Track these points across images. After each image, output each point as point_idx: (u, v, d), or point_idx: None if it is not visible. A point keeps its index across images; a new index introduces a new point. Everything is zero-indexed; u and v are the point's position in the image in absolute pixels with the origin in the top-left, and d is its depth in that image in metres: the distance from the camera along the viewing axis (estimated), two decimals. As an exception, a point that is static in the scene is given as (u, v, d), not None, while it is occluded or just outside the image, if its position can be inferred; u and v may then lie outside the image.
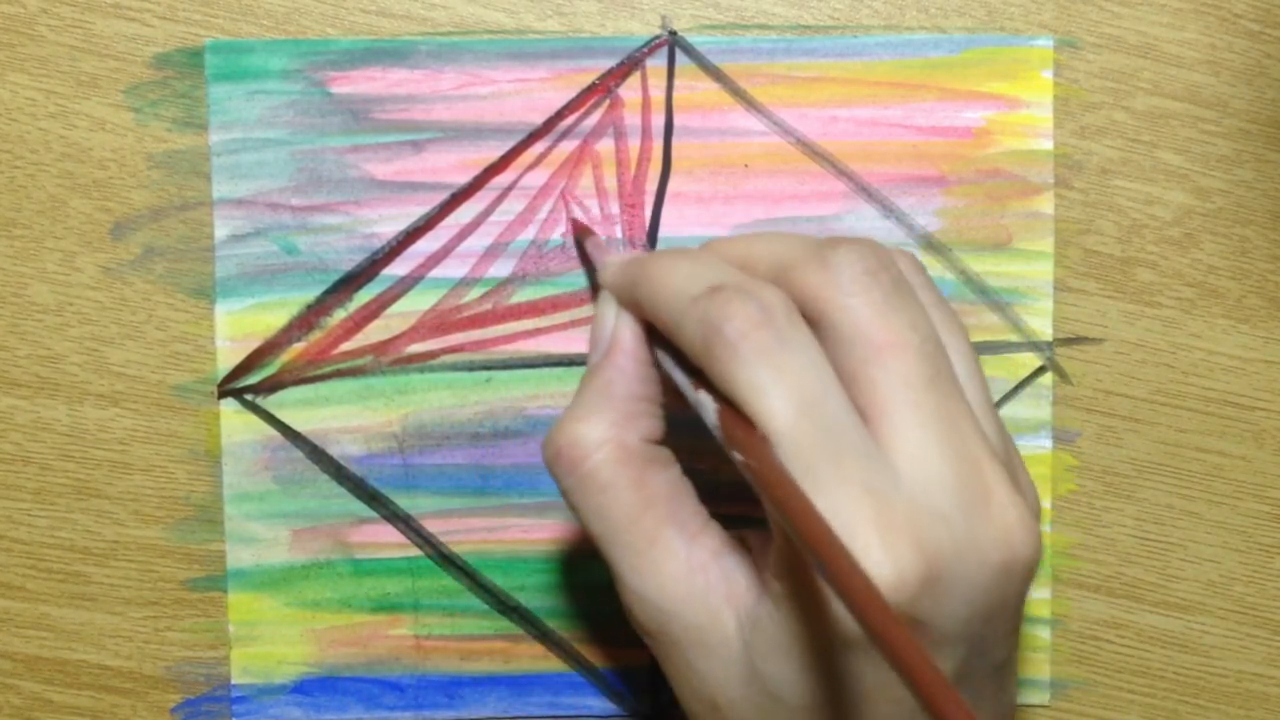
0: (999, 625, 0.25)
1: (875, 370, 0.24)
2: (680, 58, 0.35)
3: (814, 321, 0.25)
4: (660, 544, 0.26)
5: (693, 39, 0.35)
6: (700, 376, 0.26)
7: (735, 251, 0.27)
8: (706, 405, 0.25)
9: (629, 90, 0.35)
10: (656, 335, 0.28)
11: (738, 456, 0.24)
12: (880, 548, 0.23)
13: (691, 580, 0.26)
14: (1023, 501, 0.25)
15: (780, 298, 0.25)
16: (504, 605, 0.36)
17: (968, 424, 0.25)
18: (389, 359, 0.35)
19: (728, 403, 0.24)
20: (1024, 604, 0.26)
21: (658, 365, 0.28)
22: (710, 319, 0.24)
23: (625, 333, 0.27)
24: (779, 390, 0.23)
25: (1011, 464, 0.26)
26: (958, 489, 0.24)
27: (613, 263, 0.28)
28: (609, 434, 0.26)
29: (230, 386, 0.35)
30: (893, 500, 0.23)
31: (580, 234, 0.34)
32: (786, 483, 0.23)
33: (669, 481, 0.27)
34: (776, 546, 0.25)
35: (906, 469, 0.24)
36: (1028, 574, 0.25)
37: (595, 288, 0.35)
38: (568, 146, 0.35)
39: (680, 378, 0.27)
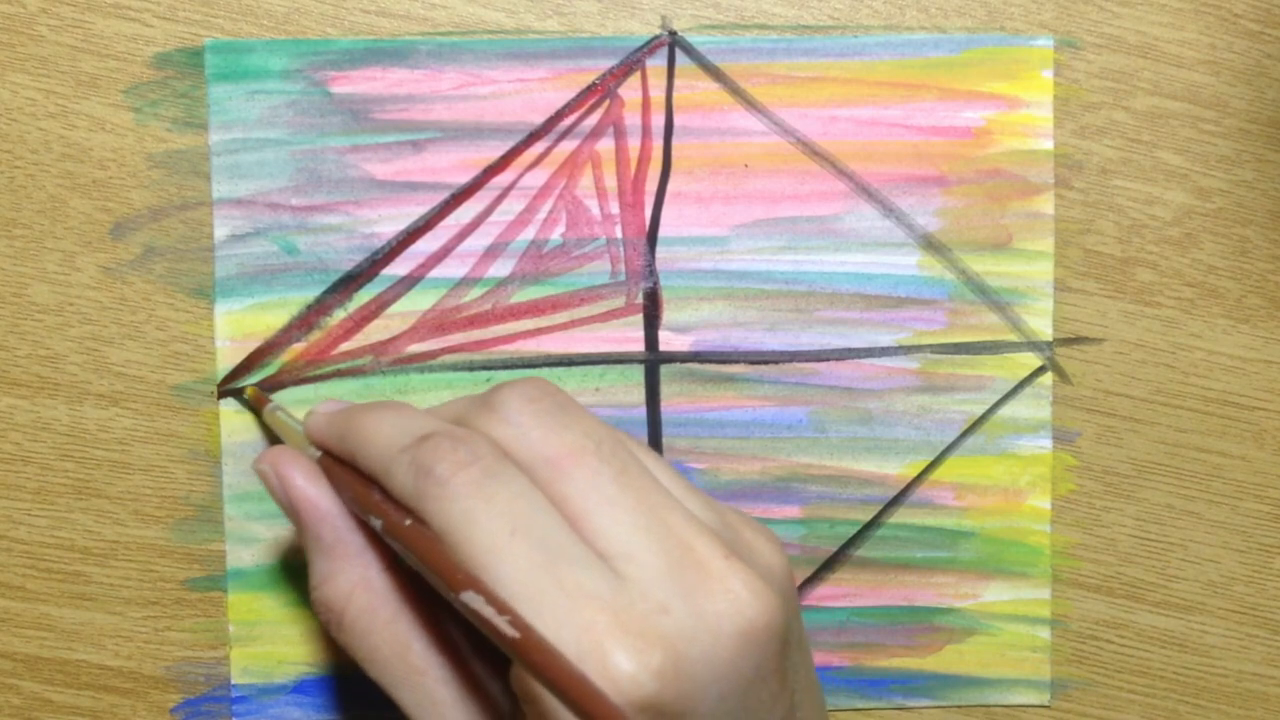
0: (761, 692, 0.25)
1: (564, 484, 0.25)
2: (680, 58, 0.35)
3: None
4: (428, 673, 0.27)
5: (693, 39, 0.35)
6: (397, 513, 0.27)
7: (420, 412, 0.29)
8: (407, 544, 0.26)
9: (629, 90, 0.35)
10: (342, 482, 0.29)
11: (456, 594, 0.24)
12: (616, 650, 0.23)
13: (468, 705, 0.27)
14: (743, 567, 0.25)
15: (485, 442, 0.26)
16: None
17: (667, 507, 0.26)
18: (389, 359, 0.35)
19: (426, 540, 0.25)
20: (786, 663, 0.26)
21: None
22: (421, 463, 0.25)
23: (309, 484, 0.29)
24: (490, 516, 0.24)
25: (730, 532, 0.27)
26: (673, 573, 0.25)
27: (319, 414, 0.30)
28: (349, 583, 0.28)
29: (230, 386, 0.35)
30: (616, 601, 0.24)
31: (257, 403, 0.35)
32: (503, 603, 0.23)
33: (424, 608, 0.28)
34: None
35: (621, 567, 0.24)
36: (771, 634, 0.25)
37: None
38: (568, 146, 0.35)
39: (376, 520, 0.27)
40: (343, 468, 0.29)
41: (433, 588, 0.27)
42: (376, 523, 0.27)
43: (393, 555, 0.29)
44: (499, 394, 0.27)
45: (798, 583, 0.36)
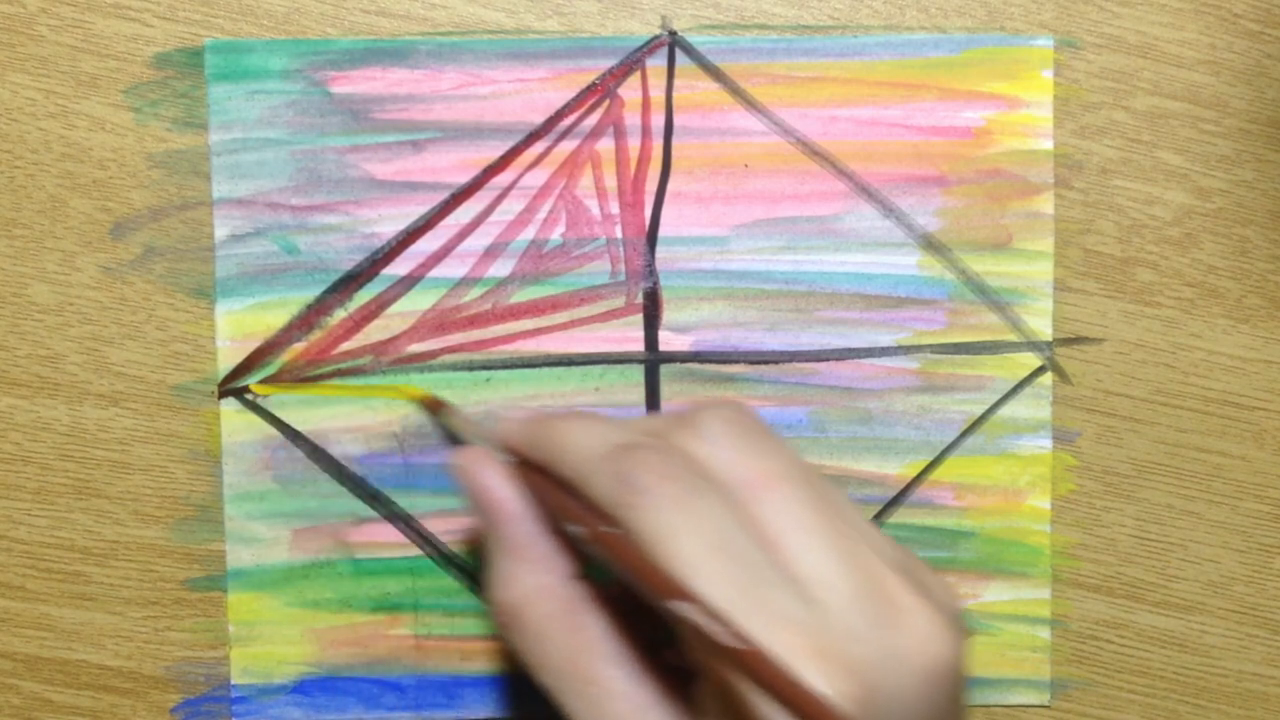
0: None
1: (761, 507, 0.26)
2: (680, 57, 0.35)
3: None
4: (600, 684, 0.27)
5: (693, 39, 0.35)
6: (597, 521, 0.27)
7: (619, 422, 0.29)
8: (607, 551, 0.26)
9: (629, 90, 0.35)
10: (536, 487, 0.29)
11: (666, 602, 0.24)
12: (814, 673, 0.23)
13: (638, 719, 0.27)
14: (930, 605, 0.25)
15: (686, 456, 0.26)
16: (504, 605, 0.36)
17: (858, 538, 0.26)
18: (389, 359, 0.35)
19: (624, 547, 0.25)
20: (959, 705, 0.26)
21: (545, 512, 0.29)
22: (625, 472, 0.26)
23: (502, 487, 0.29)
24: (692, 530, 0.25)
25: (912, 571, 0.27)
26: (864, 603, 0.25)
27: (511, 420, 0.30)
28: (531, 587, 0.28)
29: (231, 386, 0.35)
30: (813, 626, 0.24)
31: (433, 408, 0.35)
32: (720, 614, 0.23)
33: (603, 621, 0.28)
34: (710, 690, 0.25)
35: (814, 593, 0.25)
36: (954, 675, 0.25)
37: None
38: (568, 146, 0.35)
39: (576, 528, 0.27)
40: (537, 474, 0.29)
41: (614, 601, 0.28)
42: (576, 529, 0.27)
43: (576, 566, 0.29)
44: (699, 413, 0.27)
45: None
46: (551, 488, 0.28)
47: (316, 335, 0.35)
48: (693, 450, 0.26)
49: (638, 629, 0.28)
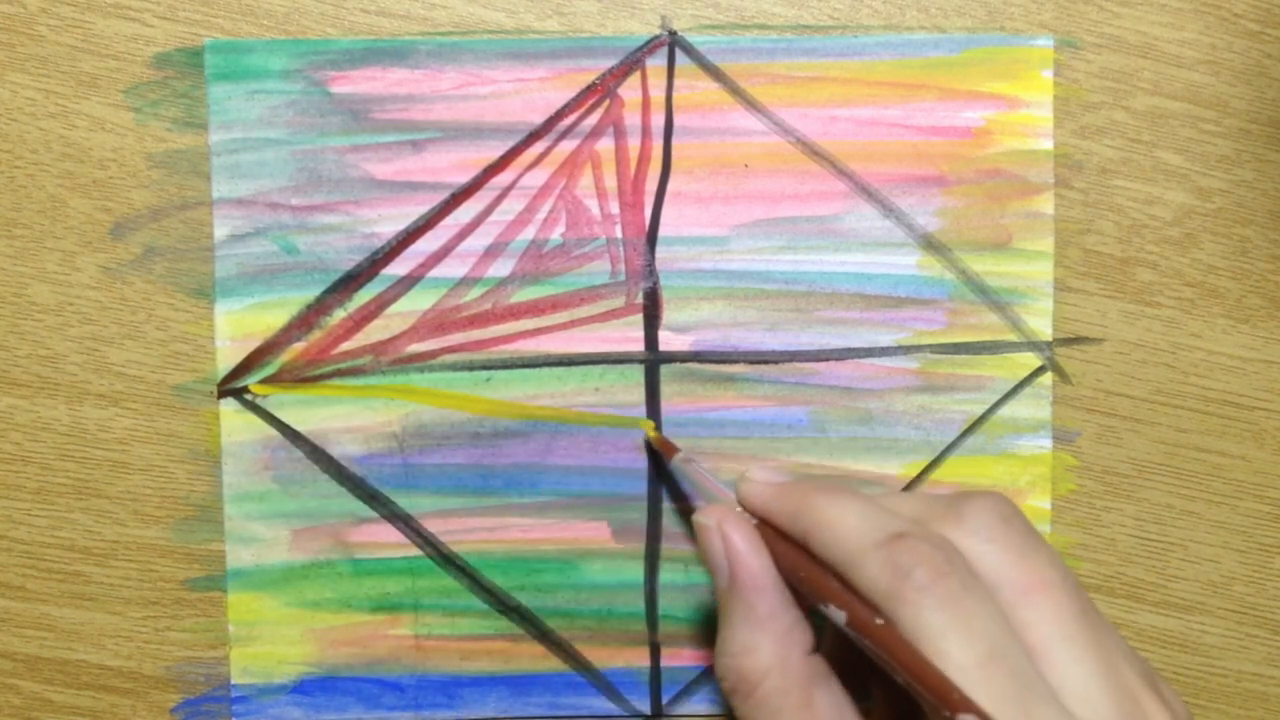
0: None
1: (1027, 612, 0.26)
2: (680, 57, 0.35)
3: None
4: None
5: (693, 39, 0.35)
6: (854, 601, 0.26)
7: (883, 505, 0.29)
8: (862, 633, 0.26)
9: (629, 90, 0.35)
10: (776, 547, 0.29)
11: (940, 707, 0.24)
12: None
13: None
14: None
15: (959, 553, 0.26)
16: (504, 605, 0.36)
17: (1119, 655, 0.26)
18: (389, 359, 0.35)
19: (878, 629, 0.25)
20: None
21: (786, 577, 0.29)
22: (899, 564, 0.25)
23: (752, 553, 0.29)
24: (967, 635, 0.24)
25: (1155, 685, 0.27)
26: None
27: (759, 482, 0.30)
28: (770, 660, 0.28)
29: (230, 386, 0.35)
30: None
31: (664, 450, 0.34)
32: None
33: (834, 699, 0.28)
34: None
35: (1076, 708, 0.25)
36: None
37: (686, 507, 0.36)
38: (568, 146, 0.35)
39: (832, 609, 0.27)
40: (790, 546, 0.28)
41: (850, 679, 0.28)
42: (839, 614, 0.26)
43: (814, 641, 0.29)
44: (967, 504, 0.27)
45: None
46: (806, 563, 0.28)
47: (316, 335, 0.35)
48: (963, 544, 0.26)
49: (856, 700, 0.28)
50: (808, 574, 0.27)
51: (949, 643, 0.24)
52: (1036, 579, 0.26)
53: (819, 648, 0.29)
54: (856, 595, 0.26)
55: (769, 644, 0.28)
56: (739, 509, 0.30)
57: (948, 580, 0.25)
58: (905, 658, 0.25)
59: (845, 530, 0.27)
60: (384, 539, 0.36)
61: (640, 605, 0.36)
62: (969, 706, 0.23)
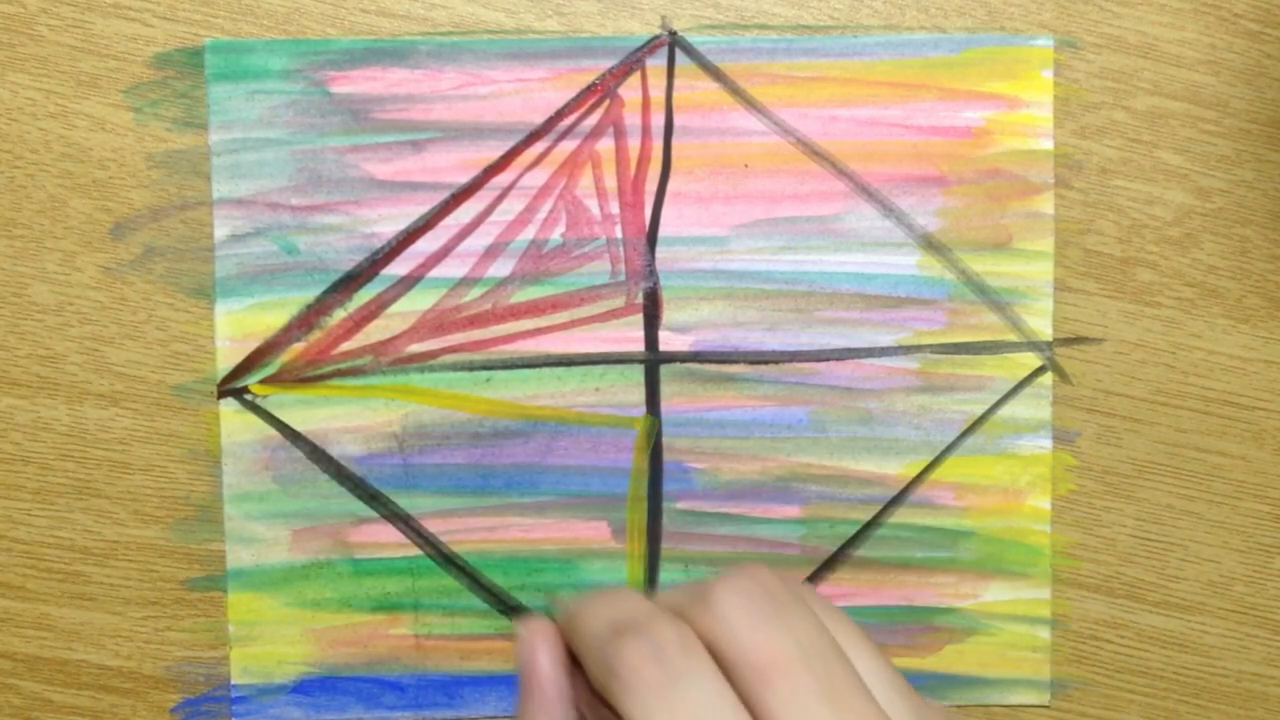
0: None
1: (766, 694, 0.25)
2: (680, 57, 0.35)
3: (715, 658, 0.26)
4: None
5: (693, 39, 0.35)
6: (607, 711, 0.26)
7: (634, 600, 0.28)
8: None
9: (629, 90, 0.35)
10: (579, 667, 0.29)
11: None
12: None
13: None
14: None
15: (678, 631, 0.25)
16: (504, 605, 0.36)
17: None
18: (389, 359, 0.35)
19: None
20: None
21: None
22: (608, 659, 0.25)
23: (544, 669, 0.28)
24: None
25: None
26: None
27: (562, 609, 0.30)
28: None
29: (230, 386, 0.35)
30: None
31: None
32: None
33: None
34: None
35: None
36: None
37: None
38: (568, 146, 0.35)
39: (589, 714, 0.27)
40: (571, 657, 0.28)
41: None
42: (590, 717, 0.26)
43: None
44: (715, 586, 0.26)
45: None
46: (575, 671, 0.28)
47: (316, 335, 0.35)
48: (705, 628, 0.26)
49: None
50: (574, 683, 0.27)
51: None
52: (774, 658, 0.25)
53: None
54: (598, 695, 0.26)
55: None
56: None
57: (650, 669, 0.24)
58: None
59: (582, 629, 0.27)
60: (384, 539, 0.36)
61: (640, 605, 0.36)
62: None
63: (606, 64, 0.35)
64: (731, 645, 0.25)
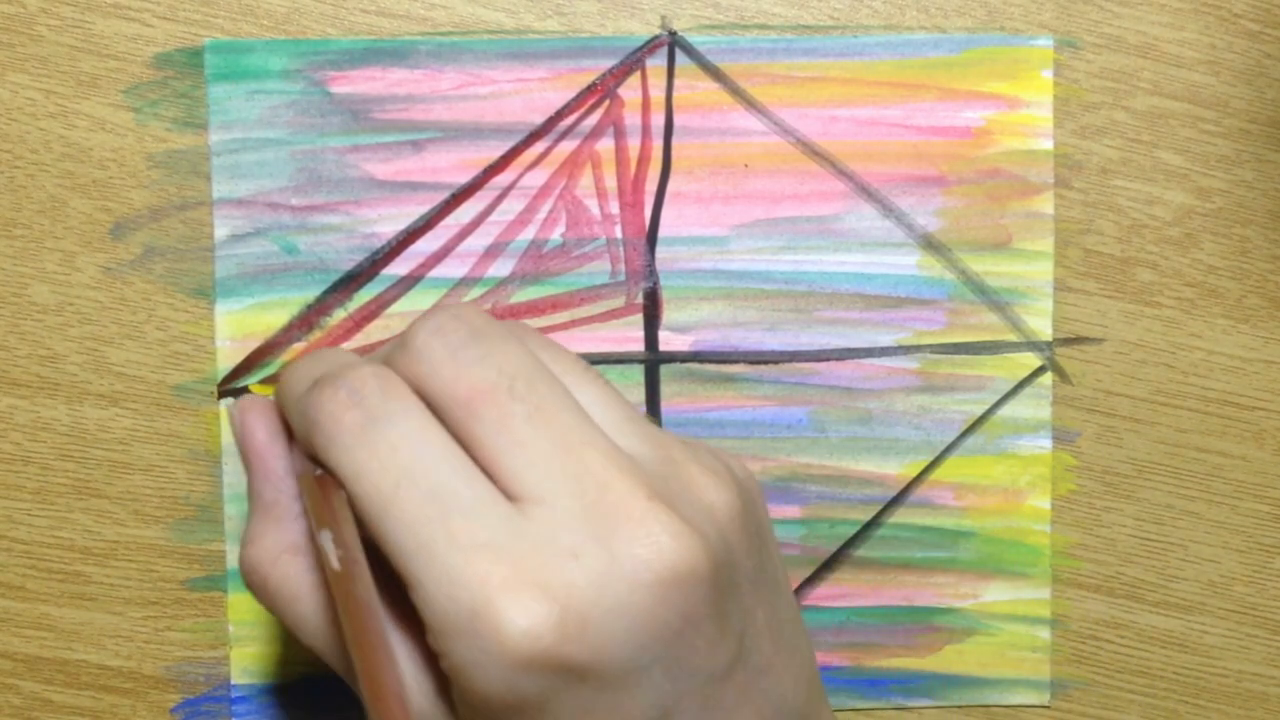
0: (694, 640, 0.24)
1: (474, 424, 0.24)
2: (680, 57, 0.35)
3: (421, 398, 0.25)
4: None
5: (693, 39, 0.35)
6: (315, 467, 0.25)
7: (331, 355, 0.28)
8: (318, 498, 0.25)
9: (629, 90, 0.35)
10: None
11: (322, 540, 0.23)
12: (510, 604, 0.22)
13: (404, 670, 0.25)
14: (665, 509, 0.23)
15: (376, 373, 0.24)
16: (504, 605, 0.36)
17: (586, 446, 0.24)
18: (389, 359, 0.35)
19: (321, 487, 0.24)
20: (726, 607, 0.24)
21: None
22: (307, 413, 0.24)
23: (261, 442, 0.27)
24: (373, 466, 0.23)
25: (668, 468, 0.25)
26: (586, 517, 0.23)
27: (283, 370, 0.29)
28: (274, 545, 0.26)
29: (231, 386, 0.35)
30: (515, 550, 0.23)
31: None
32: (349, 595, 0.22)
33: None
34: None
35: (529, 511, 0.23)
36: (698, 579, 0.23)
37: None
38: (568, 146, 0.35)
39: (300, 475, 0.26)
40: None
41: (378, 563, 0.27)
42: (301, 478, 0.25)
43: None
44: (412, 328, 0.25)
45: (796, 583, 0.36)
46: (287, 434, 0.26)
47: (316, 335, 0.35)
48: (406, 369, 0.25)
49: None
50: (286, 446, 0.26)
51: (359, 481, 0.23)
52: (476, 388, 0.24)
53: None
54: (302, 453, 0.25)
55: (274, 530, 0.27)
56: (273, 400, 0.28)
57: (349, 414, 0.24)
58: (308, 499, 0.23)
59: (284, 389, 0.26)
60: (384, 539, 0.36)
61: (640, 605, 0.36)
62: (329, 524, 0.22)
63: (606, 64, 0.35)
64: (433, 382, 0.24)
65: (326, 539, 0.23)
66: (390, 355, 0.25)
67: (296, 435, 0.25)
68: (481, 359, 0.24)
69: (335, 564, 0.22)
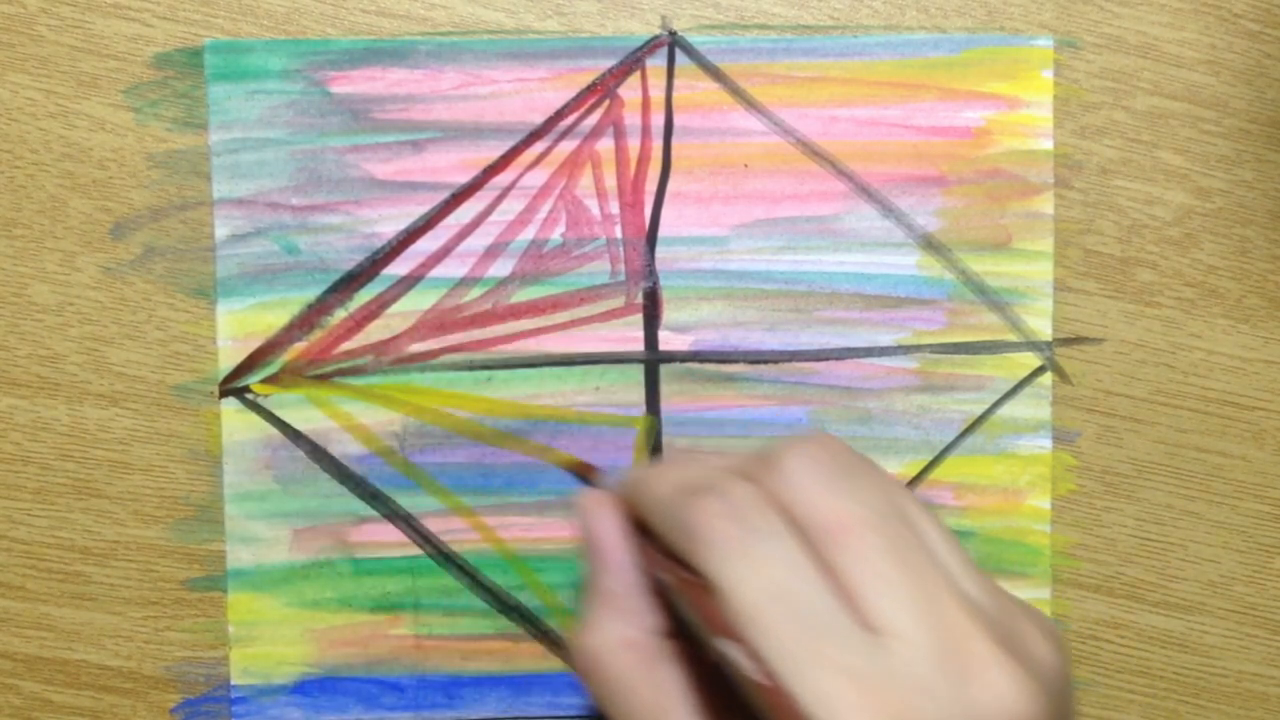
0: None
1: (839, 554, 0.25)
2: (680, 57, 0.35)
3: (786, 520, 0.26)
4: None
5: (693, 39, 0.35)
6: (680, 570, 0.27)
7: (698, 464, 0.29)
8: (686, 599, 0.26)
9: (629, 90, 0.35)
10: (645, 533, 0.29)
11: (721, 645, 0.25)
12: None
13: None
14: (1012, 660, 0.24)
15: (750, 492, 0.26)
16: (504, 605, 0.36)
17: (941, 588, 0.25)
18: (389, 358, 0.35)
19: (701, 594, 0.25)
20: None
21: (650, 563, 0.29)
22: (683, 517, 0.25)
23: (610, 537, 0.29)
24: (749, 579, 0.24)
25: (1006, 618, 0.26)
26: (940, 657, 0.24)
27: (619, 480, 0.30)
28: (614, 636, 0.28)
29: (231, 386, 0.35)
30: (873, 678, 0.23)
31: (583, 473, 0.35)
32: (760, 655, 0.23)
33: (681, 678, 0.28)
34: None
35: (888, 644, 0.24)
36: None
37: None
38: (568, 146, 0.35)
39: (663, 575, 0.28)
40: (635, 522, 0.29)
41: (707, 665, 0.28)
42: (665, 577, 0.27)
43: (667, 623, 0.29)
44: (783, 450, 0.26)
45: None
46: (643, 535, 0.28)
47: (317, 335, 0.35)
48: (775, 490, 0.26)
49: (731, 697, 0.27)
50: (641, 546, 0.27)
51: (735, 589, 0.24)
52: (844, 518, 0.25)
53: (676, 634, 0.28)
54: (671, 557, 0.26)
55: (618, 622, 0.28)
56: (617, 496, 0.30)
57: (728, 525, 0.25)
58: (695, 603, 0.24)
59: (651, 493, 0.27)
60: (384, 538, 0.36)
61: (640, 605, 0.36)
62: (733, 634, 0.23)
63: (606, 64, 0.35)
64: (802, 507, 0.25)
65: (734, 650, 0.24)
66: (756, 473, 0.27)
67: (666, 538, 0.27)
68: (849, 492, 0.26)
69: (761, 678, 0.23)
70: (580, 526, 0.29)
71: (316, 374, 0.35)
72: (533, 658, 0.36)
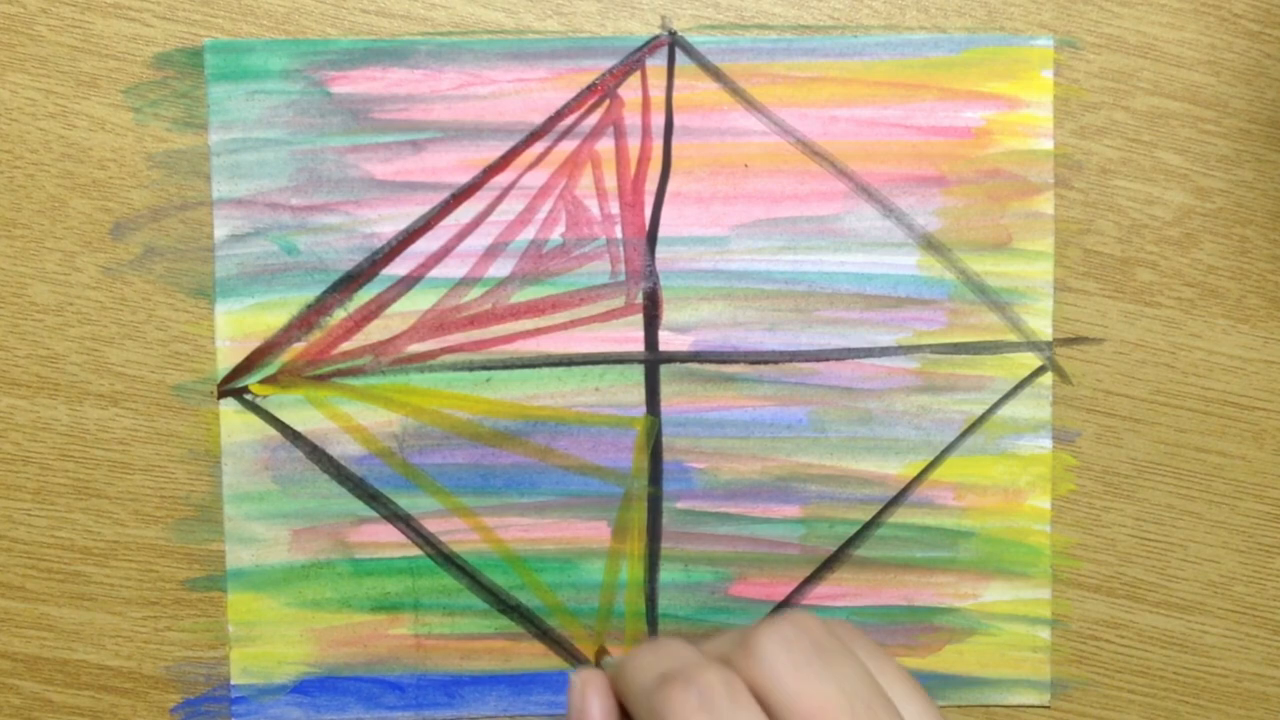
0: None
1: None
2: (680, 57, 0.35)
3: (761, 705, 0.26)
4: None
5: (693, 39, 0.35)
6: None
7: (679, 648, 0.29)
8: None
9: (629, 90, 0.35)
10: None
11: None
12: None
13: None
14: None
15: (724, 678, 0.26)
16: (504, 605, 0.36)
17: None
18: (389, 358, 0.35)
19: None
20: None
21: None
22: (655, 706, 0.26)
23: (598, 713, 0.29)
24: None
25: None
26: None
27: (614, 661, 0.31)
28: None
29: (230, 386, 0.35)
30: None
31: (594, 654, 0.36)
32: None
33: None
34: None
35: None
36: None
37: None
38: (568, 146, 0.35)
39: None
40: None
41: None
42: None
43: None
44: (757, 634, 0.27)
45: (796, 583, 0.36)
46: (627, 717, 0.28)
47: (316, 335, 0.35)
48: (750, 675, 0.26)
49: None
50: None
51: None
52: (818, 705, 0.25)
53: None
54: None
55: None
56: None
57: (698, 717, 0.25)
58: None
59: (632, 679, 0.27)
60: (384, 539, 0.36)
61: (640, 604, 0.36)
62: None
63: (606, 64, 0.35)
64: (777, 692, 0.26)
65: None
66: (732, 657, 0.27)
67: None
68: (825, 676, 0.26)
69: None
70: (570, 704, 0.30)
71: (315, 374, 0.35)
72: (532, 657, 0.36)
